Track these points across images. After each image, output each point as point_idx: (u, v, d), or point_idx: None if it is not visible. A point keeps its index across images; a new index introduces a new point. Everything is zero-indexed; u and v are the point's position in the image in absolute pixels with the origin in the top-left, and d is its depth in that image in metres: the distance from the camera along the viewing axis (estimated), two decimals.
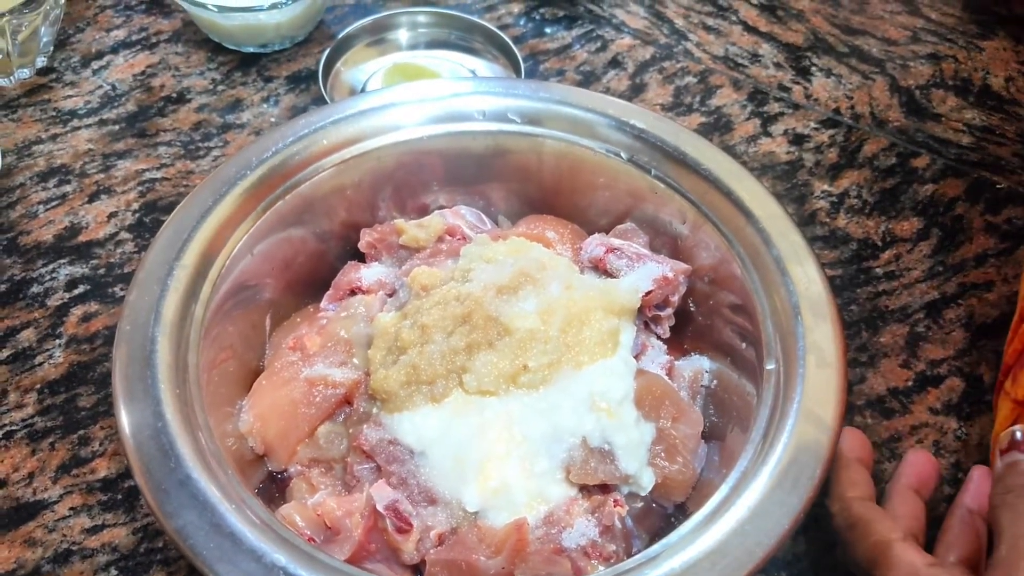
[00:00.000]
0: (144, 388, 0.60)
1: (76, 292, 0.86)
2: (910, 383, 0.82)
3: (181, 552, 0.54)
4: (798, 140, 1.02)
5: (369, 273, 0.77)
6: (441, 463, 0.64)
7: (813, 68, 1.10)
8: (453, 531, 0.62)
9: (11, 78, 1.03)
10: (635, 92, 1.07)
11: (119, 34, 1.11)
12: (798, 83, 1.09)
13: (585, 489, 0.66)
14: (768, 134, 1.03)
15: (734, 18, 1.17)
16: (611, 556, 0.62)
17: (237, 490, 0.58)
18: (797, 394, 0.62)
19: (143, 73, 1.07)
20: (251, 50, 1.09)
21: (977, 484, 0.65)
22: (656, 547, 0.56)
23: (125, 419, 0.59)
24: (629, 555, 0.64)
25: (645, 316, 0.75)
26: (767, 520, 0.56)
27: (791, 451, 0.59)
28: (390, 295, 0.76)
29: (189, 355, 0.64)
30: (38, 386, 0.80)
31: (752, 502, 0.57)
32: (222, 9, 1.03)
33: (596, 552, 0.61)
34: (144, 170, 0.97)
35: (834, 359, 0.63)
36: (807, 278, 0.67)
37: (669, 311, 0.76)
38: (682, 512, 0.68)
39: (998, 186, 0.98)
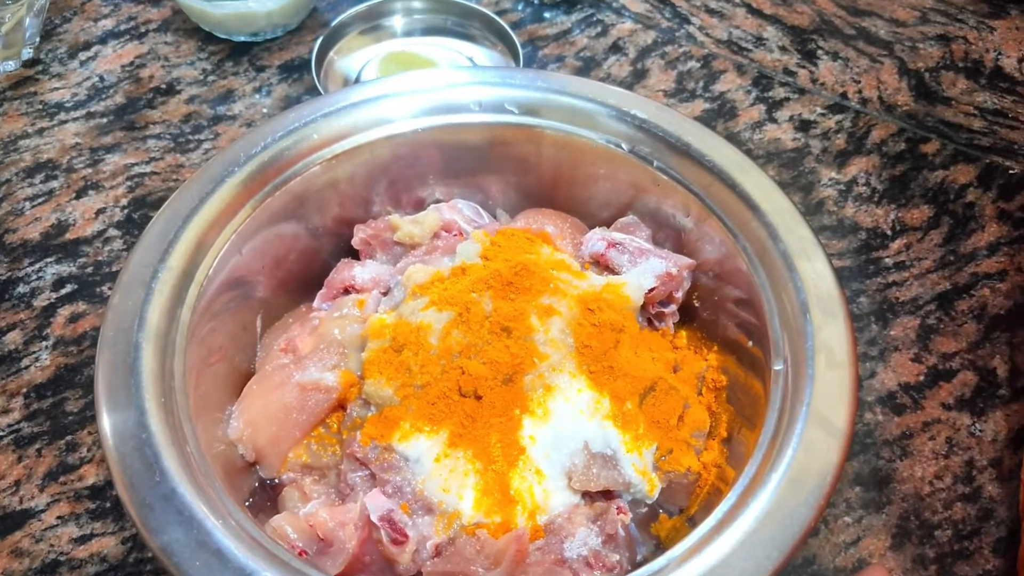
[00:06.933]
0: (128, 397, 0.58)
1: (63, 292, 0.84)
2: (922, 378, 0.80)
3: (167, 570, 0.52)
4: (804, 126, 1.00)
5: (363, 271, 0.75)
6: (438, 470, 0.61)
7: (819, 51, 1.07)
8: (451, 542, 0.60)
9: None
10: (637, 78, 1.05)
11: (107, 24, 1.09)
12: (804, 67, 1.06)
13: (587, 496, 0.63)
14: (773, 120, 1.00)
15: (737, 0, 1.14)
16: (614, 567, 0.59)
17: (225, 504, 0.56)
18: (806, 396, 0.59)
19: (131, 64, 1.05)
20: (242, 39, 1.07)
21: None
22: (661, 560, 0.54)
23: (108, 430, 0.57)
24: (633, 564, 0.62)
25: (648, 313, 0.73)
26: (776, 531, 0.54)
27: (800, 457, 0.56)
28: (384, 293, 0.74)
29: (175, 361, 0.62)
30: (24, 390, 0.78)
31: (761, 511, 0.54)
32: None
33: (599, 562, 0.59)
34: (133, 164, 0.94)
35: (845, 359, 0.61)
36: (816, 274, 0.65)
37: (673, 307, 0.73)
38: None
39: (1011, 171, 0.95)
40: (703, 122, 0.76)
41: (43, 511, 0.71)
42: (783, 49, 1.08)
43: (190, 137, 0.97)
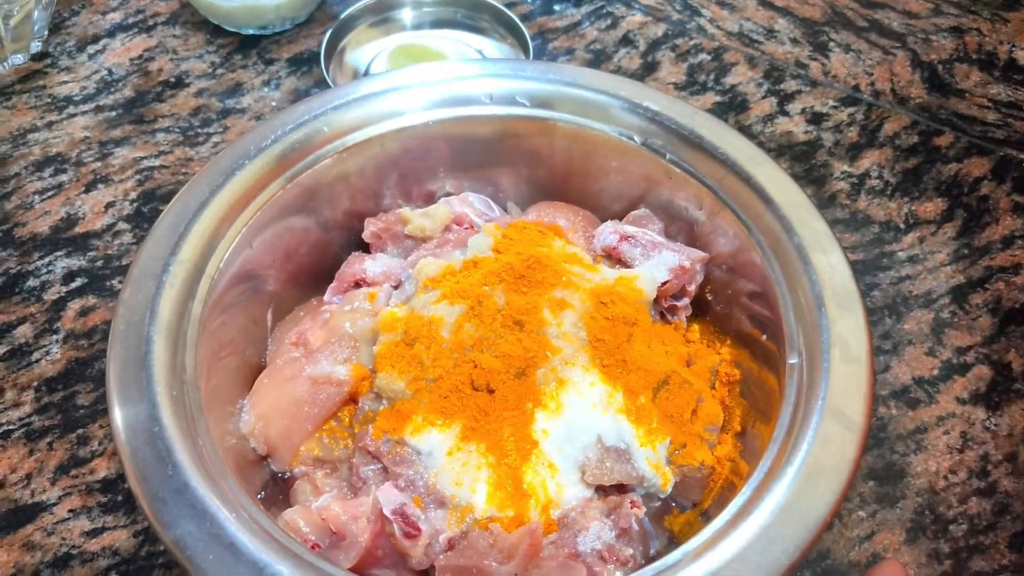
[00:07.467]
0: (140, 391, 0.58)
1: (73, 285, 0.84)
2: (936, 372, 0.80)
3: (180, 563, 0.52)
4: (816, 119, 0.99)
5: (374, 264, 0.75)
6: (450, 464, 0.61)
7: (831, 43, 1.07)
8: (463, 535, 0.60)
9: (4, 64, 1.00)
10: (647, 71, 1.04)
11: (115, 17, 1.08)
12: (816, 59, 1.05)
13: (601, 490, 0.63)
14: (785, 113, 1.00)
15: None
16: (628, 560, 0.59)
17: (237, 497, 0.55)
18: (822, 390, 0.59)
19: (140, 57, 1.04)
20: (251, 32, 1.06)
21: None
22: (676, 554, 0.53)
23: (120, 424, 0.56)
24: (647, 558, 0.62)
25: (661, 306, 0.73)
26: (792, 525, 0.53)
27: (816, 451, 0.56)
28: (395, 287, 0.74)
29: (187, 355, 0.62)
30: (35, 383, 0.77)
31: (776, 505, 0.54)
32: None
33: (613, 556, 0.59)
34: (142, 158, 0.94)
35: (861, 353, 0.60)
36: (831, 267, 0.64)
37: (686, 301, 0.73)
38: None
39: None
40: (714, 115, 0.76)
41: (54, 504, 0.71)
42: (795, 41, 1.07)
43: (199, 130, 0.97)
